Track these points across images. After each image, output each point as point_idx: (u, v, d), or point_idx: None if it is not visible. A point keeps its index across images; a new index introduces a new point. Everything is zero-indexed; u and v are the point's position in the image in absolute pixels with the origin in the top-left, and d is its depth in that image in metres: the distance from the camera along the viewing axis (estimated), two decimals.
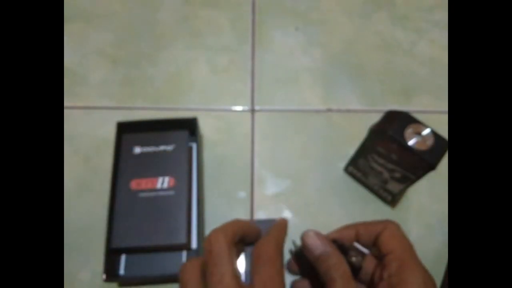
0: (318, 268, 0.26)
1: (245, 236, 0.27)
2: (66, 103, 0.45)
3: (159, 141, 0.38)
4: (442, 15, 0.54)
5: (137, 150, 0.37)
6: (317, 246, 0.27)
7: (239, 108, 0.46)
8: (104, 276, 0.32)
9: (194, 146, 0.40)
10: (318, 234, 0.28)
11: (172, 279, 0.35)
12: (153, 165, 0.37)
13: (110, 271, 0.33)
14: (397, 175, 0.35)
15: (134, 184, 0.36)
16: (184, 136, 0.38)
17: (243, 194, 0.41)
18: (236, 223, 0.26)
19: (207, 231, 0.39)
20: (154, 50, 0.49)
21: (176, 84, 0.47)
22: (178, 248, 0.34)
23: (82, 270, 0.36)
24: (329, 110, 0.46)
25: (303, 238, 0.28)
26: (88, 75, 0.47)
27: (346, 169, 0.42)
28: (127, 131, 0.39)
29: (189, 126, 0.39)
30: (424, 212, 0.40)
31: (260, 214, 0.40)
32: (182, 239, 0.33)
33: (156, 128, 0.39)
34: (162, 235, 0.33)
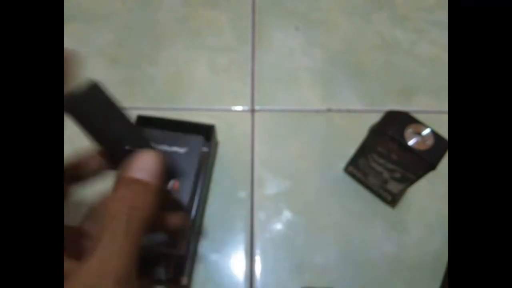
0: None
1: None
2: None
3: (172, 142, 0.38)
4: (442, 15, 0.54)
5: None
6: None
7: (239, 108, 0.46)
8: None
9: (205, 150, 0.39)
10: None
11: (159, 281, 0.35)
12: None
13: None
14: (397, 175, 0.35)
15: None
16: (198, 142, 0.38)
17: (243, 194, 0.41)
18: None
19: (205, 235, 0.39)
20: (154, 50, 0.49)
21: (176, 84, 0.47)
22: (167, 254, 0.34)
23: None
24: (329, 110, 0.46)
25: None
26: (88, 75, 0.47)
27: (346, 169, 0.42)
28: (145, 126, 0.38)
29: (205, 132, 0.39)
30: (424, 212, 0.40)
31: (260, 214, 0.40)
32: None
33: (173, 128, 0.38)
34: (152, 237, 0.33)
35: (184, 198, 0.35)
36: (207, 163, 0.38)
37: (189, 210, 0.35)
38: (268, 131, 0.44)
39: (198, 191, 0.37)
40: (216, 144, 0.42)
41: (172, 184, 0.36)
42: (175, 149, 0.37)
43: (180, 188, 0.36)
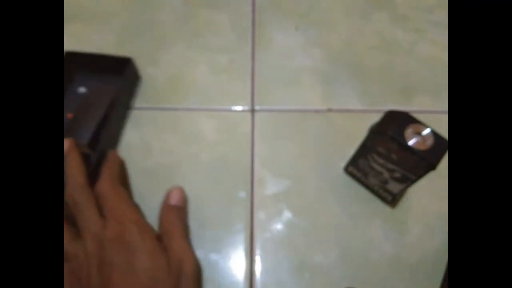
0: None
1: None
2: None
3: (91, 80, 0.41)
4: (442, 15, 0.54)
5: (82, 89, 0.41)
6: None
7: (239, 108, 0.46)
8: None
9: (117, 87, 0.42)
10: None
11: None
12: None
13: None
14: (397, 175, 0.35)
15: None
16: (109, 79, 0.41)
17: (243, 194, 0.41)
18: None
19: (205, 235, 0.39)
20: (154, 50, 0.49)
21: (176, 84, 0.47)
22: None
23: None
24: (329, 110, 0.46)
25: None
26: None
27: (346, 169, 0.42)
28: (70, 63, 0.42)
29: (119, 67, 0.42)
30: (424, 212, 0.40)
31: (260, 214, 0.40)
32: None
33: (93, 62, 0.43)
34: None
35: (86, 132, 0.37)
36: (118, 99, 0.41)
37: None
38: (268, 131, 0.44)
39: (107, 125, 0.39)
40: (136, 78, 0.46)
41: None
42: (89, 86, 0.41)
43: (82, 120, 0.38)
